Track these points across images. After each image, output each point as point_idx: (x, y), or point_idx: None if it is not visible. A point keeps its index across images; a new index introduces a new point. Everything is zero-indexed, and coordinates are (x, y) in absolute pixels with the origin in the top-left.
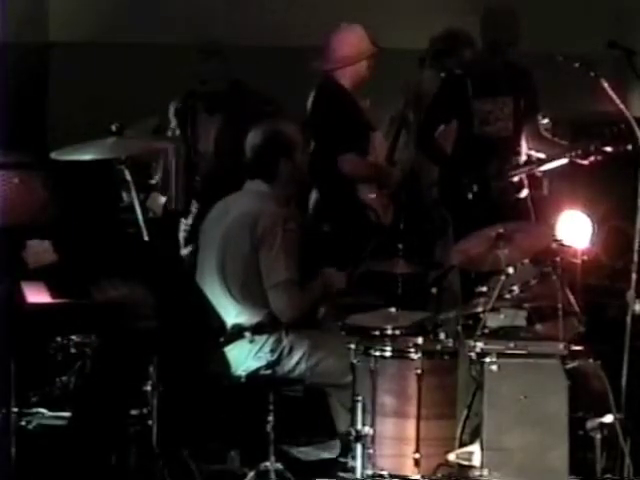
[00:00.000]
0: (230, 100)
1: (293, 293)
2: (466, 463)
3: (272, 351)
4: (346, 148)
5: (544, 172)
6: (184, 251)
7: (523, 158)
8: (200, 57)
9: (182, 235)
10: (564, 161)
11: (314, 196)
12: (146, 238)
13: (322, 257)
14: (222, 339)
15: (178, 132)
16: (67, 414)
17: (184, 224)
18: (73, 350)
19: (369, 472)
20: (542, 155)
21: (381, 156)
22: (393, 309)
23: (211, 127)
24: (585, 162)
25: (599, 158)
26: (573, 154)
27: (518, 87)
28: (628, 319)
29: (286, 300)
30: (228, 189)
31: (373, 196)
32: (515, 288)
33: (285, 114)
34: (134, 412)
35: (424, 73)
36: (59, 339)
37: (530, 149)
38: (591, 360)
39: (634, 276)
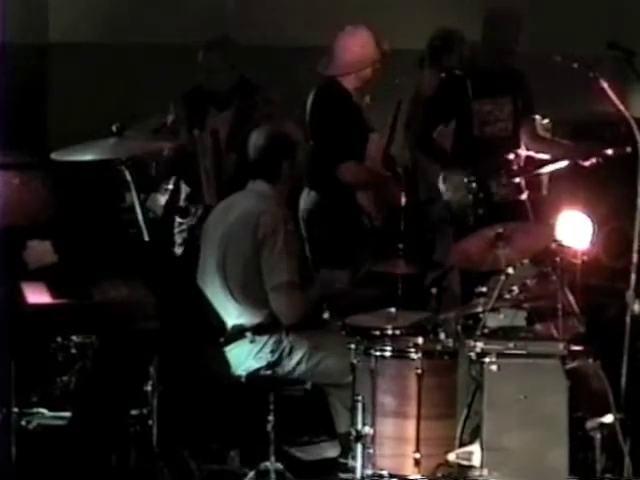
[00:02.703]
0: (239, 96)
1: (294, 294)
2: (466, 463)
3: (272, 352)
4: (347, 154)
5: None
6: (178, 251)
7: (523, 159)
8: (203, 47)
9: (179, 235)
10: (566, 163)
11: (310, 197)
12: (147, 238)
13: (320, 258)
14: (222, 339)
15: (184, 127)
16: (67, 414)
17: (178, 222)
18: (73, 350)
19: (369, 472)
20: (543, 156)
21: (377, 156)
22: (393, 309)
23: (220, 123)
24: (586, 164)
25: (600, 160)
26: (575, 155)
27: (515, 88)
28: (628, 319)
29: (287, 302)
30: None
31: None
32: (515, 288)
33: (282, 110)
34: (134, 412)
35: (424, 73)
36: (59, 339)
37: (529, 150)
38: (591, 360)
39: (633, 276)
